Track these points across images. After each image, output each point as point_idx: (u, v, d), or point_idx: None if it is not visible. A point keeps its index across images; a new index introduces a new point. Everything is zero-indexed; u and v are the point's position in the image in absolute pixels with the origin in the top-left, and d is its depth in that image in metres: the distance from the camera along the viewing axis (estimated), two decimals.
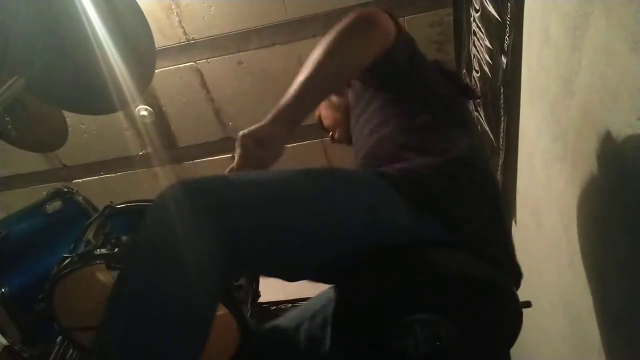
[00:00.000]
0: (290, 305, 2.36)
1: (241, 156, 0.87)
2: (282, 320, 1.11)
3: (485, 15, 1.71)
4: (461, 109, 1.06)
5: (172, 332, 0.63)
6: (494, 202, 0.90)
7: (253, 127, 0.87)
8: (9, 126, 1.36)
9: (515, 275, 0.83)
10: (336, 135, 1.35)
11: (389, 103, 1.01)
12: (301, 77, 0.89)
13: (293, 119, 0.89)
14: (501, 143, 1.71)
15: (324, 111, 1.37)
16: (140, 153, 3.01)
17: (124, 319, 0.62)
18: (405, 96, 1.00)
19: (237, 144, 0.88)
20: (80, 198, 1.68)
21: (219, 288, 0.69)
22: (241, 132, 0.87)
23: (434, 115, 0.96)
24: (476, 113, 2.10)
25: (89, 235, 1.28)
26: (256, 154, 0.86)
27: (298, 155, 2.85)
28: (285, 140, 0.89)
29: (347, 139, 1.26)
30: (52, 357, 1.48)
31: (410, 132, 0.94)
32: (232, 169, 0.89)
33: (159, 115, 2.81)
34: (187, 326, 0.64)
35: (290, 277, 0.80)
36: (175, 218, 0.67)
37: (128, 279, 0.67)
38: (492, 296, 0.74)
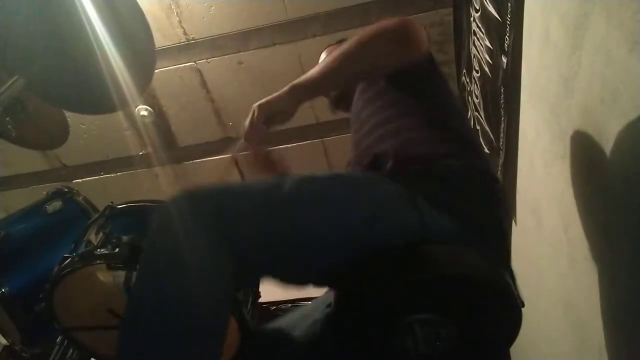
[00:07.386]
0: (290, 305, 2.36)
1: (250, 127, 0.99)
2: (282, 322, 1.10)
3: (485, 15, 1.71)
4: (472, 132, 1.08)
5: (192, 343, 0.65)
6: (498, 203, 0.90)
7: (269, 97, 0.97)
8: (9, 126, 1.36)
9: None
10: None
11: (400, 100, 1.03)
12: (328, 61, 0.97)
13: (309, 95, 1.00)
14: (501, 143, 1.71)
15: None
16: (140, 153, 3.01)
17: (144, 336, 0.65)
18: (418, 98, 1.01)
19: (251, 114, 0.98)
20: (80, 198, 1.67)
21: (228, 294, 0.72)
22: (257, 103, 0.98)
23: (447, 123, 0.97)
24: (476, 113, 2.10)
25: (90, 235, 1.28)
26: (261, 129, 0.98)
27: (298, 155, 2.85)
28: (293, 113, 1.00)
29: (338, 102, 1.36)
30: (52, 357, 1.47)
31: (420, 131, 0.95)
32: (241, 140, 1.02)
33: (159, 115, 2.81)
34: (206, 336, 0.67)
35: (295, 283, 0.82)
36: (183, 231, 0.69)
37: (143, 295, 0.69)
38: (492, 295, 0.74)
